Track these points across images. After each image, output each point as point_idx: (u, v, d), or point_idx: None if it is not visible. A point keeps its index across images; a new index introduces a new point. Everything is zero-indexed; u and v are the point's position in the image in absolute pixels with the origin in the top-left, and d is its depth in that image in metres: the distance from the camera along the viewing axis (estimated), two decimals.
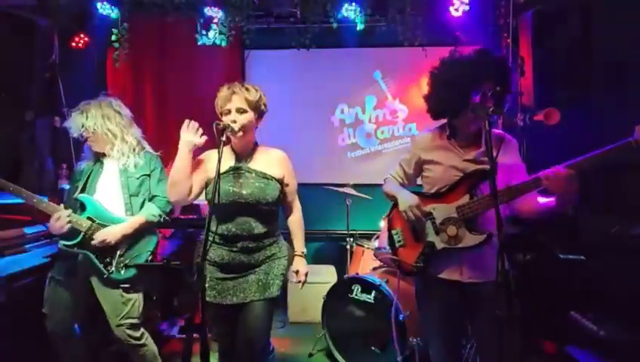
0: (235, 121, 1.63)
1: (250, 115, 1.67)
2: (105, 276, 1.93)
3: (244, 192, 1.65)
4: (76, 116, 1.97)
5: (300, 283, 1.82)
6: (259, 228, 1.68)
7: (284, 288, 1.81)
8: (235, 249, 1.67)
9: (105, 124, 1.97)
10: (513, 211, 1.59)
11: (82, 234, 1.91)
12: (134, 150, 2.04)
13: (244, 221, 1.66)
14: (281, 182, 1.75)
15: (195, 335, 1.54)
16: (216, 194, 1.52)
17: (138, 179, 2.03)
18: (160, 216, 2.03)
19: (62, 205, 1.97)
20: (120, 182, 2.01)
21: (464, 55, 1.58)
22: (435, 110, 1.64)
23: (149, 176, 2.06)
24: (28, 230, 2.42)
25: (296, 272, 1.82)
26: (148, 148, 2.15)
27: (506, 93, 1.55)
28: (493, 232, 1.50)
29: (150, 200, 2.07)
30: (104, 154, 2.04)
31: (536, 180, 1.41)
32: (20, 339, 2.13)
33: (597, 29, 2.91)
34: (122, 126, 2.03)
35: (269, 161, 1.75)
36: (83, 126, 1.95)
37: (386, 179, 1.86)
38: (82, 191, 1.99)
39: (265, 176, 1.70)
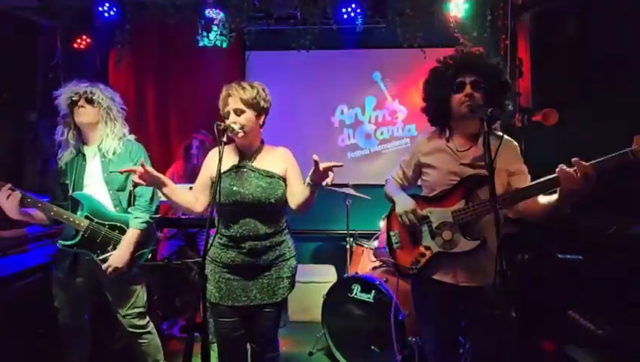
0: (235, 123, 1.62)
1: (249, 114, 1.65)
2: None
3: (246, 191, 1.64)
4: (81, 85, 1.95)
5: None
6: (264, 229, 1.66)
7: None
8: (243, 250, 1.66)
9: (110, 102, 1.99)
10: (516, 214, 1.58)
11: (81, 233, 1.90)
12: (119, 137, 2.01)
13: (248, 222, 1.65)
14: (284, 178, 1.72)
15: (195, 334, 1.56)
16: (217, 194, 1.52)
17: (123, 173, 1.97)
18: (149, 219, 1.99)
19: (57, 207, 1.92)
20: (103, 178, 1.97)
21: (444, 57, 1.62)
22: (430, 116, 1.69)
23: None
24: (29, 230, 2.44)
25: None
26: (131, 137, 2.10)
27: (498, 90, 1.55)
28: (488, 238, 1.51)
29: (133, 201, 2.02)
30: (83, 143, 2.00)
31: (551, 180, 1.37)
32: (23, 338, 2.14)
33: (595, 30, 2.93)
34: (120, 114, 2.05)
35: (273, 159, 1.73)
36: (87, 94, 1.93)
37: (387, 180, 1.87)
38: (72, 188, 1.96)
39: (268, 175, 1.68)
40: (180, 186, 2.71)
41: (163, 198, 1.86)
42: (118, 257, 1.90)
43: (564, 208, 1.42)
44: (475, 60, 1.56)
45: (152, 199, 2.03)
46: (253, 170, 1.69)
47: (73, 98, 1.92)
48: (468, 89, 1.53)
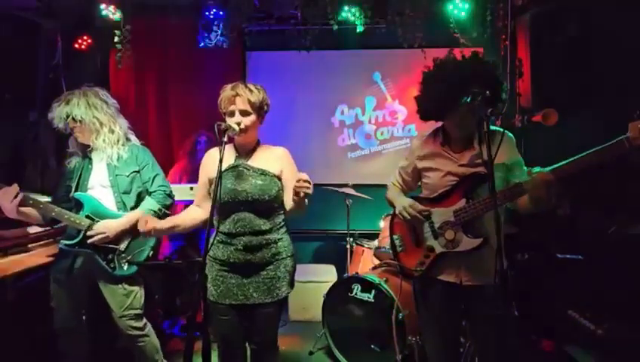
0: (239, 123, 1.64)
1: (253, 117, 1.69)
2: (109, 273, 1.94)
3: (242, 189, 1.66)
4: (60, 106, 1.91)
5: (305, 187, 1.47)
6: (259, 225, 1.68)
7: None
8: (239, 247, 1.67)
9: (92, 112, 1.91)
10: (515, 206, 1.58)
11: (82, 233, 1.91)
12: (119, 141, 2.00)
13: (244, 217, 1.67)
14: (279, 178, 1.74)
15: (196, 333, 1.56)
16: (218, 194, 1.51)
17: (128, 176, 2.00)
18: (159, 210, 2.01)
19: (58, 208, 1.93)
20: (109, 181, 1.98)
21: (456, 57, 1.60)
22: (423, 110, 1.65)
23: (138, 172, 2.03)
24: (31, 229, 2.44)
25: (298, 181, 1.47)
26: (134, 139, 2.11)
27: (497, 100, 1.55)
28: (490, 235, 1.51)
29: (149, 195, 2.06)
30: (90, 148, 2.00)
31: (518, 185, 1.44)
32: (24, 338, 2.15)
33: (595, 30, 2.93)
34: (110, 115, 1.98)
35: (269, 158, 1.76)
36: (68, 116, 1.89)
37: (388, 186, 1.88)
38: (76, 189, 1.97)
39: (263, 173, 1.70)
40: (181, 187, 2.74)
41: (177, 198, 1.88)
42: (108, 226, 1.91)
43: (563, 207, 1.44)
44: (489, 74, 1.53)
45: (168, 195, 2.08)
46: (248, 169, 1.71)
47: (60, 125, 1.93)
48: (477, 101, 1.52)
